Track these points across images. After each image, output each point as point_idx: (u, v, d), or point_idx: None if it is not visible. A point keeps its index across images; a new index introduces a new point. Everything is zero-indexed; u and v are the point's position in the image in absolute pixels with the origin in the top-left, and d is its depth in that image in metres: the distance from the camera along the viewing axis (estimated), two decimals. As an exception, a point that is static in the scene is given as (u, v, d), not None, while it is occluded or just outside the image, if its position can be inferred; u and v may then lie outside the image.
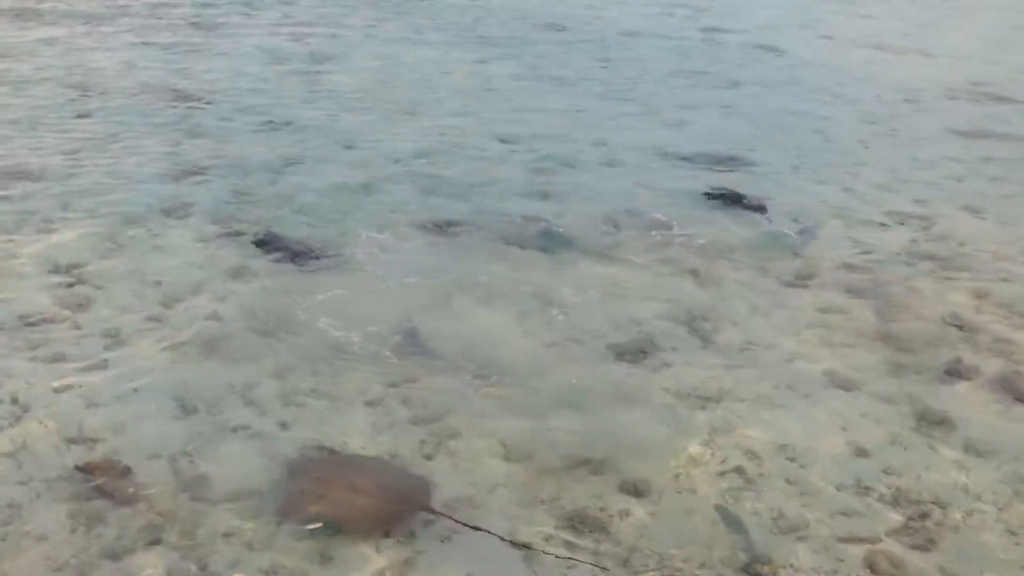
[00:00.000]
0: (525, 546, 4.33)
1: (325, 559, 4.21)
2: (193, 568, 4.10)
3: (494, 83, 13.10)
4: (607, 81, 13.59)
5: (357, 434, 5.12)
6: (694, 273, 7.33)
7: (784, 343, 6.36)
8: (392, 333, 6.11)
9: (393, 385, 5.59)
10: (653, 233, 8.06)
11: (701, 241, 7.92)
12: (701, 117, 12.00)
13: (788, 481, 4.94)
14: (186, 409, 5.24)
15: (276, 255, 7.18)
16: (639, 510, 4.66)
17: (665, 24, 18.65)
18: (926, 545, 4.53)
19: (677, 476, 4.93)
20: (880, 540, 4.54)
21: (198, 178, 8.72)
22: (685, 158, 10.16)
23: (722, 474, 4.97)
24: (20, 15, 15.54)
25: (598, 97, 12.67)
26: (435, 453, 4.99)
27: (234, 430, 5.10)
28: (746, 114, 12.33)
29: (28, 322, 6.03)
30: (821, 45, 17.64)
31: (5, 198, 7.91)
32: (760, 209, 8.63)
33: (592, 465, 4.97)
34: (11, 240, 7.17)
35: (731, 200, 8.78)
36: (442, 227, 7.95)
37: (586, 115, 11.72)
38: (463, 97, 12.20)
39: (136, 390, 5.37)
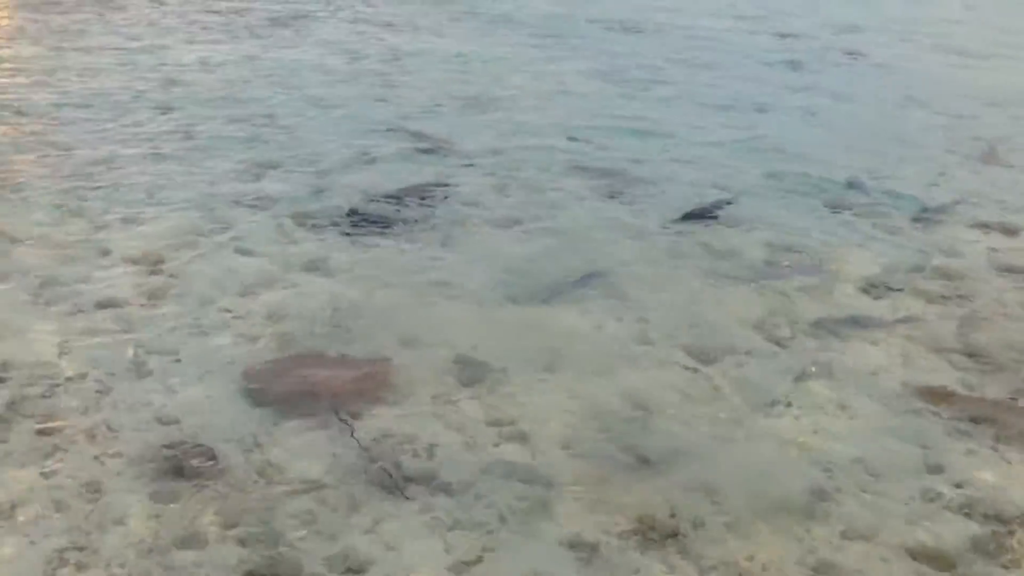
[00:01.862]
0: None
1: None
2: (269, 552, 4.17)
3: (566, 84, 13.08)
4: (682, 83, 13.48)
5: (428, 429, 5.15)
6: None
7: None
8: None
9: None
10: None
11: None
12: (777, 122, 11.79)
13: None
14: (260, 400, 5.31)
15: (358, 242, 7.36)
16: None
17: (740, 28, 18.44)
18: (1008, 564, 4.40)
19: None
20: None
21: (275, 171, 8.89)
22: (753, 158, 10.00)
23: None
24: (106, 7, 16.01)
25: (668, 101, 12.57)
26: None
27: (304, 417, 5.15)
28: (825, 119, 12.11)
29: (108, 308, 6.18)
30: (903, 49, 17.27)
31: (90, 188, 8.14)
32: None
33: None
34: (95, 229, 7.38)
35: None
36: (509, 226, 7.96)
37: (659, 118, 11.62)
38: (534, 97, 12.21)
39: (212, 377, 5.46)
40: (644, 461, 4.96)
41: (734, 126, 11.44)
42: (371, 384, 5.51)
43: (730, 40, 17.05)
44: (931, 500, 4.78)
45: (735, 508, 4.63)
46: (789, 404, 5.57)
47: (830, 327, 6.49)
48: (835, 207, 8.80)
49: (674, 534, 4.44)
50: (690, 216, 8.26)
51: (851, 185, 9.33)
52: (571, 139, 10.38)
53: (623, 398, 5.50)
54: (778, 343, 6.27)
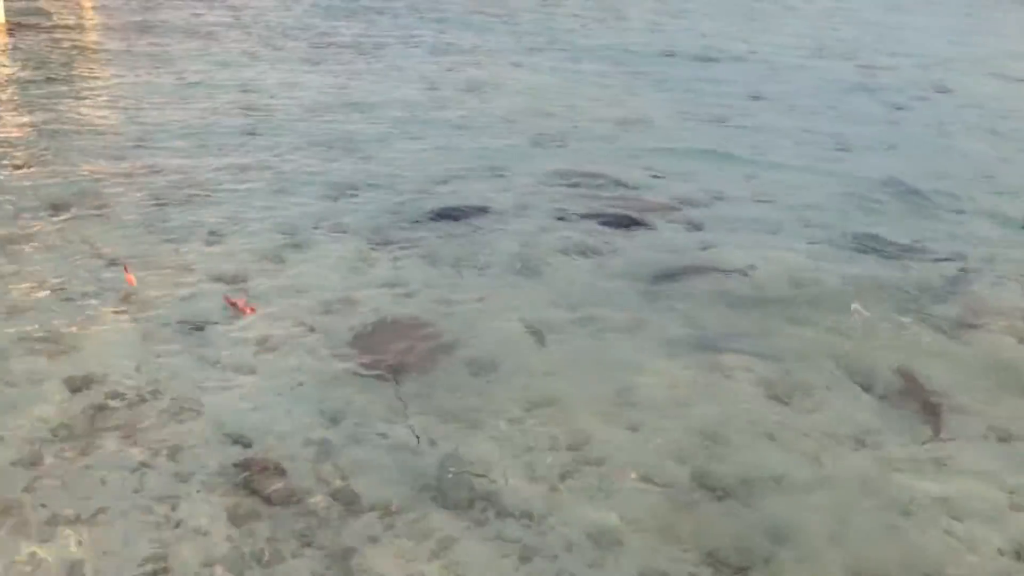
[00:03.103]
0: None
1: None
2: (340, 572, 4.19)
3: (641, 114, 13.06)
4: (757, 116, 13.37)
5: (497, 452, 5.14)
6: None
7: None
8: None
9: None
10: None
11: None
12: (859, 158, 11.59)
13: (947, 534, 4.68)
14: (334, 417, 5.37)
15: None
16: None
17: (820, 60, 18.23)
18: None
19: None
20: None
21: (353, 194, 9.05)
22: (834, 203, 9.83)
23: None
24: (193, 35, 16.54)
25: (749, 131, 12.47)
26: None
27: (381, 437, 5.19)
28: (905, 152, 11.88)
29: (190, 325, 6.33)
30: (989, 82, 16.88)
31: (174, 208, 8.38)
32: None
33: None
34: (179, 249, 7.58)
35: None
36: (588, 253, 7.96)
37: (733, 151, 11.52)
38: (609, 126, 12.22)
39: (287, 395, 5.53)
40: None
41: (816, 161, 11.27)
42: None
43: (810, 72, 16.86)
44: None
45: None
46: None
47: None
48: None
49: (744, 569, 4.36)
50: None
51: None
52: (652, 175, 10.31)
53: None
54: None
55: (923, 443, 5.45)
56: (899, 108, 14.50)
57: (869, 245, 8.47)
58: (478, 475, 4.93)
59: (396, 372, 5.87)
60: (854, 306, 6.98)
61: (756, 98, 14.63)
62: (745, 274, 7.66)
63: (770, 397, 5.84)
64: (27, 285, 6.77)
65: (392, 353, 6.11)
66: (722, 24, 21.96)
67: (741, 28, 21.64)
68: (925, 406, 5.80)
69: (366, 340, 6.28)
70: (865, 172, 10.83)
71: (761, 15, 23.85)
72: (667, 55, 17.85)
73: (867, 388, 6.02)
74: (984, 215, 9.53)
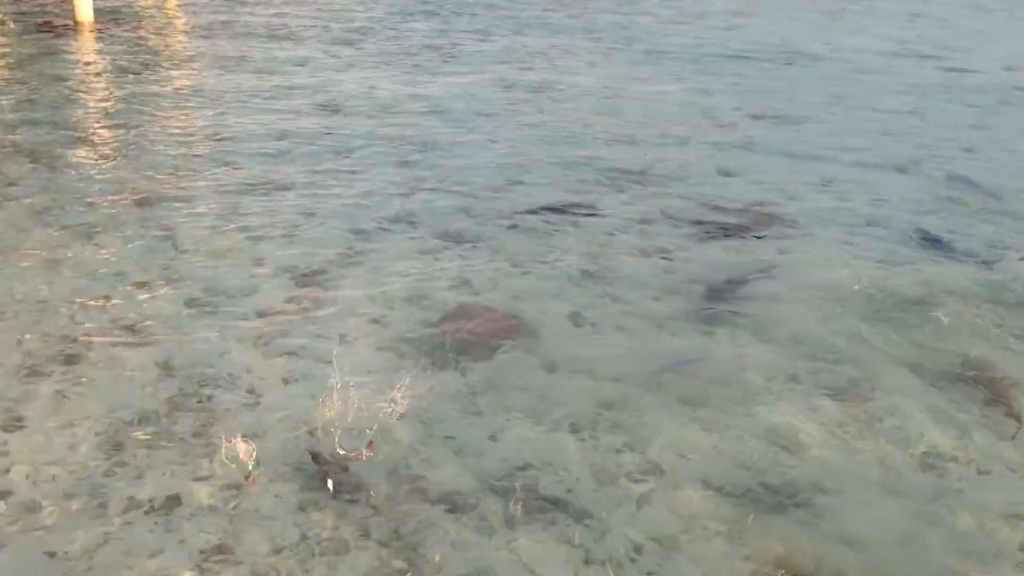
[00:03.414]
0: None
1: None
2: (402, 564, 4.24)
3: (716, 113, 12.91)
4: (837, 117, 13.10)
5: (566, 455, 5.13)
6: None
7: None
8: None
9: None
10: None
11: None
12: (939, 160, 11.25)
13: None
14: (409, 414, 5.40)
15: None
16: None
17: (903, 61, 17.77)
18: None
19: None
20: None
21: (427, 193, 9.13)
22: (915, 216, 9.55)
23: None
24: (274, 34, 16.87)
25: (827, 133, 12.22)
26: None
27: (448, 438, 5.23)
28: (985, 156, 11.49)
29: (266, 318, 6.48)
30: None
31: (251, 202, 8.58)
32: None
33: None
34: (254, 241, 7.75)
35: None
36: (659, 255, 7.90)
37: (809, 155, 11.30)
38: (684, 127, 12.10)
39: (358, 390, 5.59)
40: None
41: (895, 162, 10.98)
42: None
43: (892, 73, 16.45)
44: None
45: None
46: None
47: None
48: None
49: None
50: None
51: None
52: (722, 174, 10.18)
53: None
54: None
55: (1012, 437, 5.29)
56: (983, 110, 14.04)
57: (947, 247, 8.26)
58: (542, 472, 4.93)
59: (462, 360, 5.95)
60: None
61: (838, 98, 14.33)
62: (819, 276, 7.52)
63: (841, 400, 5.72)
64: (109, 274, 7.00)
65: (461, 344, 6.19)
66: (803, 25, 21.57)
67: (822, 29, 21.21)
68: (1008, 412, 5.64)
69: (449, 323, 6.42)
70: (944, 175, 10.53)
71: (843, 15, 23.35)
72: (745, 55, 17.56)
73: (945, 391, 5.86)
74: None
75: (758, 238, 8.40)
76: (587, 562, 4.34)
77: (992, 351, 6.42)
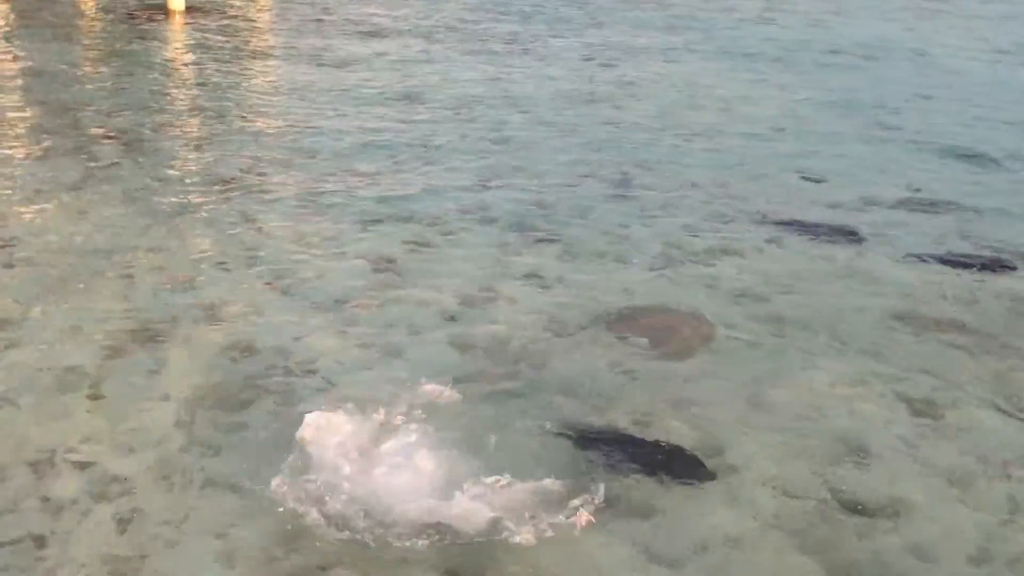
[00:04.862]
0: None
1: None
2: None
3: (798, 113, 12.70)
4: (923, 117, 12.76)
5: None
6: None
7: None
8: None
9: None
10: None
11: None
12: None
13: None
14: (469, 400, 5.46)
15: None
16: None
17: (993, 63, 17.21)
18: None
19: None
20: None
21: (501, 185, 9.20)
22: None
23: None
24: (358, 29, 17.12)
25: (911, 133, 11.92)
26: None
27: (519, 428, 5.26)
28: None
29: (343, 305, 6.63)
30: None
31: (330, 191, 8.76)
32: None
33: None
34: (333, 229, 7.92)
35: None
36: (730, 254, 7.84)
37: (893, 154, 11.06)
38: (763, 127, 11.94)
39: (428, 378, 5.68)
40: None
41: (979, 167, 10.66)
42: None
43: (982, 74, 15.98)
44: None
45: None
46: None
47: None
48: None
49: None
50: None
51: None
52: (804, 178, 10.02)
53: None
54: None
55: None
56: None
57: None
58: (610, 473, 4.95)
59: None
60: None
61: (926, 98, 13.98)
62: (894, 286, 7.37)
63: (915, 413, 5.62)
64: (191, 257, 7.24)
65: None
66: (891, 23, 21.04)
67: (910, 27, 20.67)
68: None
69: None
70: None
71: (932, 15, 22.70)
72: (831, 52, 17.22)
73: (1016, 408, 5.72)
74: None
75: (839, 237, 8.27)
76: (652, 558, 4.35)
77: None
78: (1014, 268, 7.81)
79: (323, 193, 8.74)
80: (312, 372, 5.73)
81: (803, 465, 5.06)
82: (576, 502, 4.58)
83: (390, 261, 7.37)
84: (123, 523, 4.39)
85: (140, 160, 9.36)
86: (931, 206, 9.28)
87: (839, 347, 6.38)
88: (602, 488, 4.70)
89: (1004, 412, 5.66)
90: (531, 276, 7.24)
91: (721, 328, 6.54)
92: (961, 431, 5.47)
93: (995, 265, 7.83)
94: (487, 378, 5.74)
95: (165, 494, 4.61)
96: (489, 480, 4.67)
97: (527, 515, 4.47)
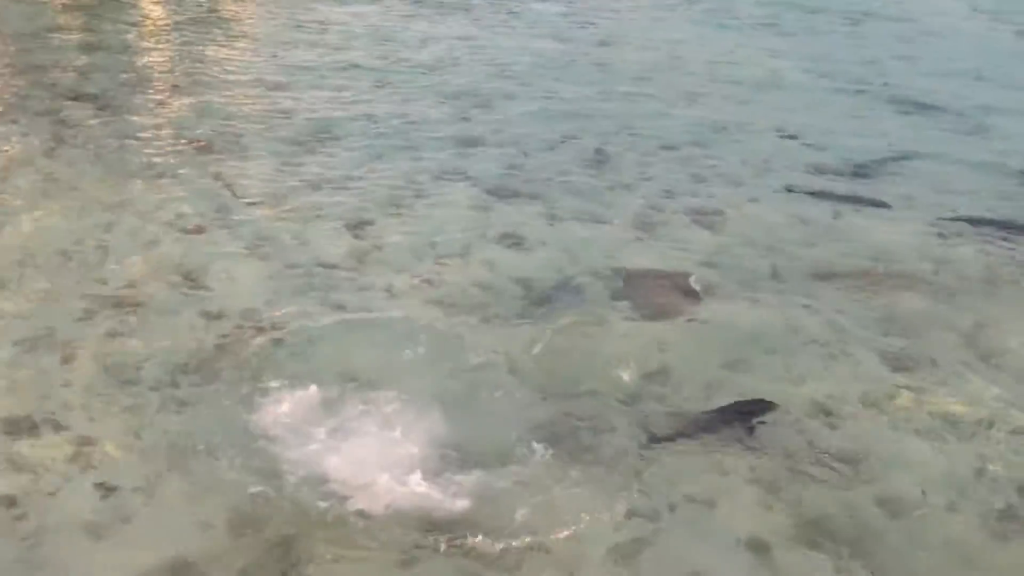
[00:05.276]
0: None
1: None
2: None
3: (778, 75, 12.63)
4: (902, 82, 12.71)
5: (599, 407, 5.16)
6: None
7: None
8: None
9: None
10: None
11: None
12: (1005, 132, 10.83)
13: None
14: (442, 362, 5.47)
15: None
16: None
17: (975, 25, 17.14)
18: None
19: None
20: None
21: (478, 148, 9.14)
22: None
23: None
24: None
25: (887, 96, 11.88)
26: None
27: (491, 386, 5.28)
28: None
29: (322, 267, 6.60)
30: None
31: (320, 153, 8.69)
32: None
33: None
34: (309, 191, 7.86)
35: None
36: (708, 216, 7.83)
37: (878, 116, 11.04)
38: (745, 89, 11.87)
39: (405, 341, 5.67)
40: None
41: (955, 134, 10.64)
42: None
43: (962, 35, 15.92)
44: None
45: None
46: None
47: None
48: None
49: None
50: None
51: None
52: (783, 136, 10.00)
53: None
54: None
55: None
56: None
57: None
58: (582, 421, 4.99)
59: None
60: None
61: (906, 59, 13.93)
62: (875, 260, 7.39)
63: (894, 370, 5.66)
64: (166, 219, 7.14)
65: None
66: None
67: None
68: None
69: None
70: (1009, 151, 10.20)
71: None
72: (813, 13, 17.04)
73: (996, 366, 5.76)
74: None
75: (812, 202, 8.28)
76: (629, 514, 4.38)
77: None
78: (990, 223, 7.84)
79: (299, 153, 8.65)
80: (287, 337, 5.68)
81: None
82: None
83: (367, 223, 7.32)
84: (99, 487, 4.39)
85: (112, 120, 9.21)
86: (906, 165, 9.30)
87: (814, 305, 6.40)
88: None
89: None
90: (509, 237, 7.21)
91: (702, 288, 6.56)
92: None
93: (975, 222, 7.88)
94: (468, 347, 5.70)
95: (136, 460, 4.59)
96: (461, 458, 4.67)
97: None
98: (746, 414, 5.07)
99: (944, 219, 7.94)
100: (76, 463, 4.53)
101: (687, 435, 4.95)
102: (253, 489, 4.37)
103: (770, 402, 5.15)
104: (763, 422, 5.02)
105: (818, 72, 12.83)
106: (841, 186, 8.62)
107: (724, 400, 5.24)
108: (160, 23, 13.65)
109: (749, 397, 5.24)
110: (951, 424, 5.16)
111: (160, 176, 7.94)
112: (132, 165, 8.14)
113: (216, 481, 4.44)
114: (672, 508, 4.47)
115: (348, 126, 9.48)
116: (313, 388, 5.07)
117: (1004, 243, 7.53)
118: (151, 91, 10.35)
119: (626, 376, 5.45)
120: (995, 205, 8.35)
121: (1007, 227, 7.79)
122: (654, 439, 4.90)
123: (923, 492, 4.63)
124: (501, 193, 8.04)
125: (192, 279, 6.30)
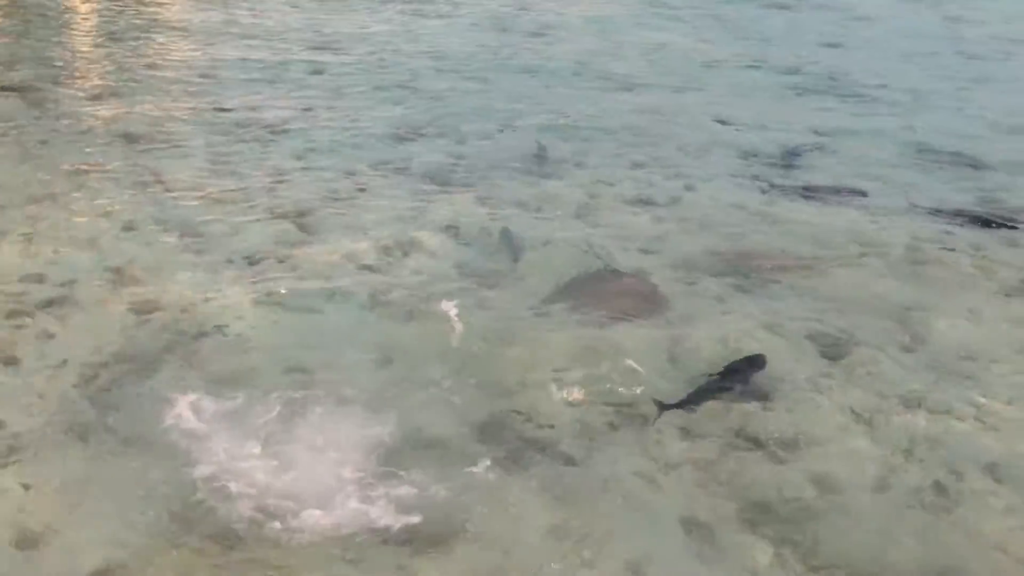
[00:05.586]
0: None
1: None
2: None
3: (710, 58, 12.77)
4: (833, 68, 12.93)
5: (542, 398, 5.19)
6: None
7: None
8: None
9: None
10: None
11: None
12: (934, 115, 11.12)
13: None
14: (387, 357, 5.45)
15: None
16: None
17: (904, 10, 17.52)
18: None
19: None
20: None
21: (416, 137, 9.09)
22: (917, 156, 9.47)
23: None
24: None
25: (820, 83, 12.09)
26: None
27: (429, 380, 5.25)
28: (981, 113, 11.37)
29: (252, 260, 6.50)
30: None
31: (241, 145, 8.54)
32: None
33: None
34: (245, 185, 7.73)
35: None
36: (646, 202, 7.90)
37: (810, 102, 11.21)
38: (680, 76, 11.99)
39: (346, 332, 5.63)
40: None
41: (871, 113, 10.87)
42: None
43: (894, 20, 16.24)
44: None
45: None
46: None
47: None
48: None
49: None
50: None
51: None
52: (718, 121, 10.13)
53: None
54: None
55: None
56: (979, 59, 13.80)
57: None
58: (520, 414, 5.00)
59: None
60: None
61: (834, 44, 14.18)
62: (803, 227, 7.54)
63: (825, 354, 5.77)
64: (96, 215, 6.99)
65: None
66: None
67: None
68: None
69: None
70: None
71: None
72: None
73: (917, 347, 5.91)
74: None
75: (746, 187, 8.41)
76: (560, 500, 4.42)
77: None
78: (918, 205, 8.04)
79: (233, 145, 8.53)
80: (220, 332, 5.59)
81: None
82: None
83: (303, 214, 7.23)
84: (26, 487, 4.28)
85: (38, 113, 8.98)
86: (835, 149, 9.49)
87: (747, 291, 6.50)
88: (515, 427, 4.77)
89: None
90: (448, 227, 7.18)
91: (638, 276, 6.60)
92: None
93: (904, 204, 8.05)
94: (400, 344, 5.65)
95: (66, 459, 4.50)
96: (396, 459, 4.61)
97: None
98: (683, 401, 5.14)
99: (873, 202, 8.11)
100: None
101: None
102: (173, 505, 4.22)
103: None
104: (693, 409, 5.09)
105: (751, 59, 13.01)
106: (774, 172, 8.74)
107: (663, 387, 5.30)
108: (87, 14, 13.32)
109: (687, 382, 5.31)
110: (881, 405, 5.28)
111: (89, 170, 7.75)
112: (59, 159, 7.94)
113: (135, 490, 4.31)
114: (608, 490, 4.51)
115: (283, 117, 9.37)
116: (245, 387, 4.99)
117: (933, 225, 7.71)
118: (78, 83, 10.11)
119: (566, 369, 5.45)
120: (924, 188, 8.52)
121: (936, 210, 7.98)
122: (596, 430, 4.94)
123: (855, 470, 4.73)
124: (439, 183, 8.01)
125: (122, 273, 6.16)
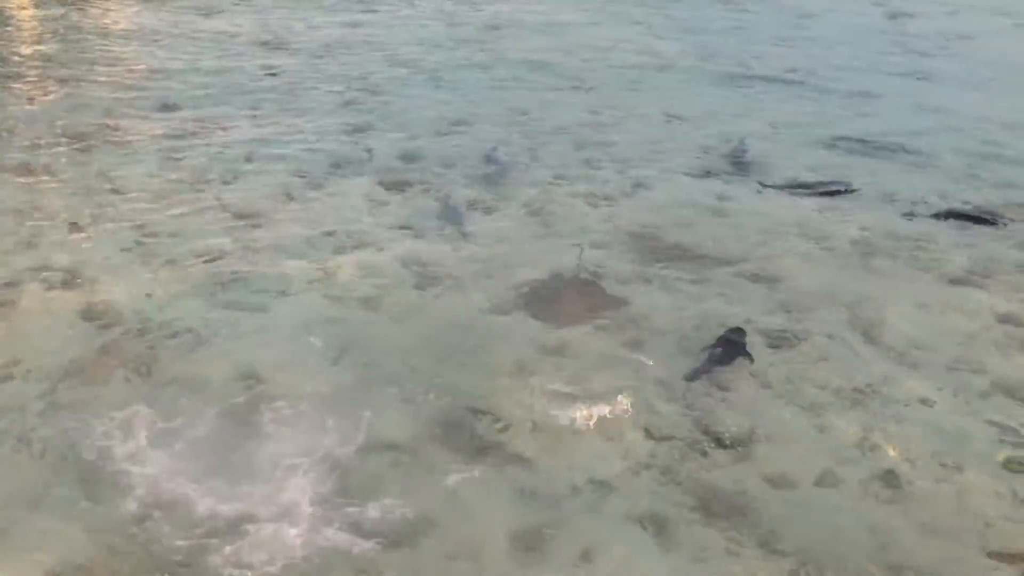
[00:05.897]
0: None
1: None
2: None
3: (664, 57, 12.85)
4: (782, 63, 13.10)
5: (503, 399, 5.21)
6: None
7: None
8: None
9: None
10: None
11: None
12: (881, 108, 11.32)
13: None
14: (339, 356, 5.44)
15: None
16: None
17: (848, 6, 17.77)
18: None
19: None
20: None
21: (369, 135, 9.04)
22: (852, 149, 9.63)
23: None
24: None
25: (769, 79, 12.23)
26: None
27: (386, 382, 5.25)
28: (927, 104, 11.60)
29: (206, 261, 6.43)
30: (1012, 33, 16.40)
31: (193, 145, 8.42)
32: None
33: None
34: (198, 187, 7.64)
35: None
36: (599, 200, 7.94)
37: (759, 98, 11.35)
38: (632, 71, 12.04)
39: (297, 336, 5.60)
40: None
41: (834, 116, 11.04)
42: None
43: (838, 16, 16.46)
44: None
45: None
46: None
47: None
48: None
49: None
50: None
51: None
52: (668, 118, 10.21)
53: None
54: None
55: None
56: (923, 54, 14.05)
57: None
58: (481, 415, 5.01)
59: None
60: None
61: (782, 40, 14.33)
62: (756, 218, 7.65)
63: (775, 346, 5.86)
64: (43, 217, 6.88)
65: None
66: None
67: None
68: None
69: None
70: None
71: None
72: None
73: (874, 339, 6.02)
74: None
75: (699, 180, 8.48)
76: (523, 496, 4.44)
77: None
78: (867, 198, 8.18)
79: (183, 145, 8.42)
80: (174, 333, 5.54)
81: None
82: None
83: (256, 214, 7.17)
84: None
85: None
86: (785, 143, 9.61)
87: (702, 286, 6.58)
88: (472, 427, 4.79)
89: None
90: (402, 226, 7.16)
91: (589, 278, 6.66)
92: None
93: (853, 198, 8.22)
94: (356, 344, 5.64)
95: (12, 471, 4.44)
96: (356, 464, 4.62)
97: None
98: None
99: (822, 196, 8.24)
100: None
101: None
102: (123, 531, 4.13)
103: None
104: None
105: (701, 55, 13.10)
106: (725, 166, 8.84)
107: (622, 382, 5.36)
108: (33, 10, 13.04)
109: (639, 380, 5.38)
110: (832, 396, 5.38)
111: (35, 172, 7.61)
112: (5, 160, 7.78)
113: (77, 512, 4.23)
114: (572, 490, 4.55)
115: (234, 116, 9.27)
116: (200, 395, 4.96)
117: (881, 217, 7.85)
118: (23, 83, 9.90)
119: (525, 368, 5.48)
120: (874, 180, 8.67)
121: (887, 200, 8.14)
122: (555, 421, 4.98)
123: (807, 462, 4.82)
124: (392, 182, 7.98)
125: (71, 278, 6.06)
